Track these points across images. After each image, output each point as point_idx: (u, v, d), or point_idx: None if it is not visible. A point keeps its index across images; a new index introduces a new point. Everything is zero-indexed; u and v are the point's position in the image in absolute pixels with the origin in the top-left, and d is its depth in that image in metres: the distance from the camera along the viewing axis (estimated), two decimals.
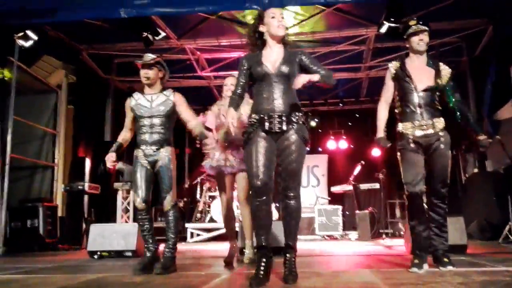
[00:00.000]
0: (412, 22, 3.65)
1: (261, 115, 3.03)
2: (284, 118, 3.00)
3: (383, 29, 7.27)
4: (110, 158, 3.82)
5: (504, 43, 7.75)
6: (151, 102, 3.85)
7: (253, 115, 3.08)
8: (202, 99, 11.42)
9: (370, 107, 10.60)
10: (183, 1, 6.46)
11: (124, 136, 4.01)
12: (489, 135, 8.25)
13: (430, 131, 3.51)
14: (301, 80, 2.89)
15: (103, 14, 6.87)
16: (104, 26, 7.91)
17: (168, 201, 3.75)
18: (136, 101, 3.89)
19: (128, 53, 8.99)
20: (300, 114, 3.06)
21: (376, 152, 11.25)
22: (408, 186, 3.50)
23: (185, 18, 8.17)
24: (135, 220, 8.69)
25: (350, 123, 12.16)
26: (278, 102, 3.02)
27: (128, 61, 9.30)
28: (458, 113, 3.63)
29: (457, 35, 8.63)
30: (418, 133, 3.51)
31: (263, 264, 2.91)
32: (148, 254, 3.76)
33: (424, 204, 3.58)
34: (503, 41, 7.77)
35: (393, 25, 7.01)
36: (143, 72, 3.83)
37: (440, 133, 3.52)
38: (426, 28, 3.61)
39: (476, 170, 8.80)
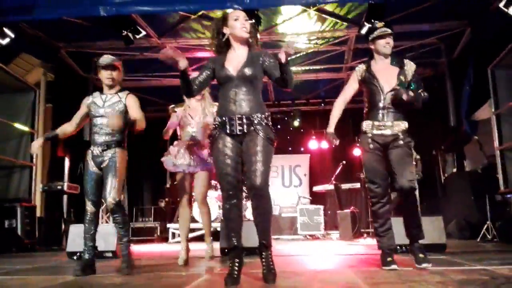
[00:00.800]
0: (379, 25, 3.74)
1: (223, 118, 3.04)
2: (245, 120, 2.99)
3: (364, 30, 7.33)
4: (36, 144, 3.80)
5: (482, 45, 7.88)
6: (104, 102, 3.84)
7: (217, 118, 3.10)
8: (182, 98, 11.43)
9: (351, 107, 10.43)
10: (163, 0, 6.41)
11: (65, 128, 3.95)
12: (467, 135, 8.44)
13: (388, 131, 3.58)
14: (285, 53, 2.85)
15: (82, 12, 6.77)
16: (84, 24, 7.80)
17: (109, 202, 3.63)
18: (92, 100, 3.89)
19: (108, 52, 8.87)
20: (263, 115, 3.03)
21: (357, 152, 11.33)
22: (371, 188, 3.63)
23: (166, 17, 8.11)
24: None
25: None
26: (240, 104, 3.01)
27: None
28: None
29: (436, 36, 8.75)
30: (376, 132, 3.60)
31: (236, 263, 2.96)
32: (87, 256, 3.68)
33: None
34: (481, 43, 7.90)
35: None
36: (107, 74, 3.83)
37: (399, 135, 3.57)
38: (391, 32, 3.70)
39: (455, 170, 8.93)
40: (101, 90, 3.95)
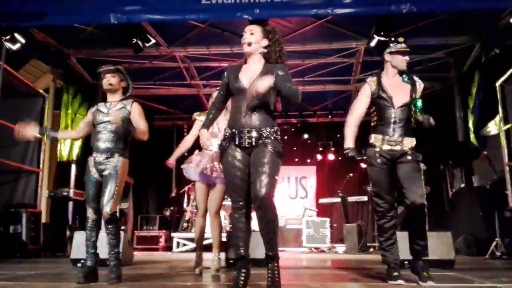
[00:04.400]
0: (401, 39, 3.68)
1: (233, 130, 3.05)
2: (254, 133, 2.99)
3: (373, 43, 7.33)
4: (30, 131, 3.89)
5: (491, 60, 7.84)
6: (108, 109, 3.83)
7: (227, 129, 3.10)
8: (190, 107, 11.46)
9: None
10: (174, 9, 6.44)
11: (69, 133, 3.99)
12: (476, 150, 8.37)
13: (397, 147, 3.53)
14: (260, 85, 2.85)
15: (92, 19, 6.84)
16: (94, 31, 7.85)
17: (105, 213, 3.57)
18: (97, 108, 3.88)
19: (117, 59, 8.92)
20: (273, 129, 3.02)
21: (364, 165, 11.28)
22: (377, 203, 3.56)
23: (175, 26, 8.15)
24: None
25: (338, 135, 12.19)
26: (250, 117, 3.02)
27: None
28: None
29: (445, 50, 8.74)
30: (385, 147, 3.54)
31: (243, 274, 2.94)
32: (89, 263, 3.63)
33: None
34: (490, 57, 7.87)
35: (382, 39, 7.06)
36: (105, 80, 3.88)
37: (408, 151, 3.53)
38: (409, 50, 3.69)
39: (463, 185, 8.85)
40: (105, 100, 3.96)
